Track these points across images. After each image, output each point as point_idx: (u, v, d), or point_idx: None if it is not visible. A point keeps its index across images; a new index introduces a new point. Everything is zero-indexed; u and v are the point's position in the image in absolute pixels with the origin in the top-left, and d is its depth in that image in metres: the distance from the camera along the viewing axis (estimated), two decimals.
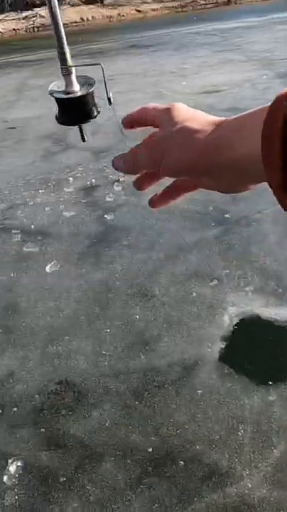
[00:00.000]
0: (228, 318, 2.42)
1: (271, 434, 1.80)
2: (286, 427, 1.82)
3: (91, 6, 27.69)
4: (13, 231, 3.63)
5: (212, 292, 2.63)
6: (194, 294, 2.64)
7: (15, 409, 2.08)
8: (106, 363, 2.27)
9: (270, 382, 2.02)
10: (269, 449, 1.75)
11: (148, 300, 2.65)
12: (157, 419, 1.93)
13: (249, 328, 2.36)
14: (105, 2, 27.83)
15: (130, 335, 2.42)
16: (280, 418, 1.86)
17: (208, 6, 27.32)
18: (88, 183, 4.35)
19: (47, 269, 3.08)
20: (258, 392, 1.98)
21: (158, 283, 2.78)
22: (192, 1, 27.51)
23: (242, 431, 1.83)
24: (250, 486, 1.63)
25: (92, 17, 26.76)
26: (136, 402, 2.03)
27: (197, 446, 1.80)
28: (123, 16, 26.52)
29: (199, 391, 2.03)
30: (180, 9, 26.87)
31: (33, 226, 3.67)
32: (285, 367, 2.11)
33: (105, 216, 3.67)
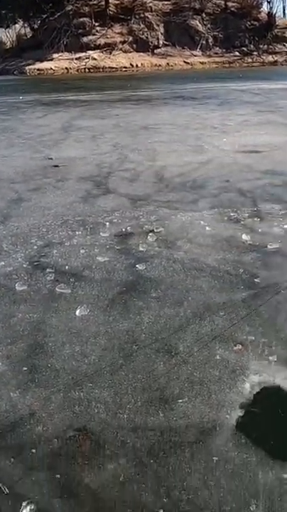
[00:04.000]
0: (249, 386, 2.46)
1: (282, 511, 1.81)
2: None
3: (141, 54, 28.93)
4: (47, 269, 3.77)
5: (235, 357, 2.68)
6: (217, 357, 2.69)
7: (33, 450, 2.14)
8: (125, 416, 2.32)
9: (285, 460, 2.03)
10: None
11: (171, 357, 2.71)
12: (170, 481, 1.96)
13: (270, 398, 2.38)
14: (155, 51, 29.05)
15: (151, 390, 2.48)
16: None
17: (255, 64, 28.21)
18: (123, 230, 4.50)
19: (77, 312, 3.18)
20: (273, 467, 2.00)
21: (183, 341, 2.85)
22: (239, 59, 28.48)
23: (254, 506, 1.84)
24: None
25: (141, 64, 27.91)
26: (151, 461, 2.06)
27: None
28: (171, 65, 27.59)
29: (214, 458, 2.05)
30: (227, 65, 27.82)
31: (67, 267, 3.80)
32: None
33: (137, 266, 3.78)
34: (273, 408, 2.33)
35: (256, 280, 3.47)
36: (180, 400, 2.40)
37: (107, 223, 4.66)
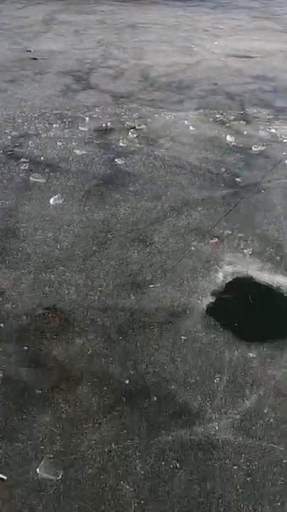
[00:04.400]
0: (222, 276, 2.45)
1: (245, 386, 1.86)
2: (260, 383, 1.87)
3: None
4: (21, 159, 3.59)
5: (210, 249, 2.64)
6: (192, 248, 2.65)
7: (1, 325, 2.12)
8: (95, 298, 2.30)
9: (252, 341, 2.06)
10: (241, 399, 1.81)
11: (146, 246, 2.67)
12: (137, 356, 1.98)
13: (241, 288, 2.39)
14: None
15: (123, 275, 2.45)
16: (256, 374, 1.91)
17: None
18: (103, 125, 4.28)
19: (51, 201, 3.07)
20: (239, 347, 2.03)
21: (159, 232, 2.79)
22: None
23: (218, 379, 1.88)
24: (217, 428, 1.70)
25: None
26: (120, 337, 2.07)
27: (172, 386, 1.85)
28: None
29: (183, 337, 2.07)
30: None
31: (42, 158, 3.63)
32: (269, 329, 2.15)
33: (116, 160, 3.63)
34: (244, 296, 2.34)
35: (237, 179, 3.38)
36: (152, 286, 2.38)
37: (87, 118, 4.42)
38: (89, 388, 1.83)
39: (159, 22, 9.08)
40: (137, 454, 1.60)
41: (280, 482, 1.53)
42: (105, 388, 1.83)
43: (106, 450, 1.60)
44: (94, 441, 1.63)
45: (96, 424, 1.69)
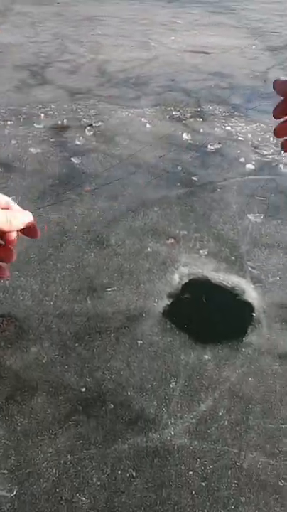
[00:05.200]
0: (178, 277, 2.46)
1: (200, 389, 1.88)
2: (215, 386, 1.90)
3: None
4: None
5: (166, 250, 2.65)
6: (149, 249, 2.65)
7: None
8: (51, 303, 2.27)
9: (207, 343, 2.08)
10: (196, 403, 1.82)
11: (102, 248, 2.65)
12: (94, 363, 1.96)
13: (197, 289, 2.41)
14: None
15: (79, 279, 2.42)
16: (211, 377, 1.93)
17: None
18: (59, 122, 4.21)
19: None
20: (194, 350, 2.05)
21: (115, 233, 2.78)
22: None
23: (174, 383, 1.89)
24: (172, 434, 1.71)
25: None
26: (76, 344, 2.05)
27: (129, 392, 1.85)
28: None
29: (139, 341, 2.07)
30: None
31: None
32: (224, 330, 2.18)
33: (72, 159, 3.58)
34: (199, 297, 2.36)
35: (193, 178, 3.40)
36: (109, 289, 2.37)
37: (42, 115, 4.34)
38: (44, 398, 1.80)
39: (116, 15, 9.00)
40: (93, 464, 1.59)
41: (234, 485, 1.56)
42: (61, 398, 1.81)
43: (62, 462, 1.59)
44: (49, 454, 1.61)
45: (52, 436, 1.67)
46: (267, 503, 1.51)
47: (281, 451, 1.67)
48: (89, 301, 2.29)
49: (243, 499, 1.52)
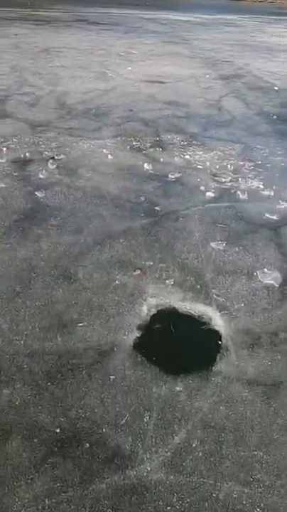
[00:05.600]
0: (146, 309, 2.50)
1: (173, 422, 1.91)
2: (188, 417, 1.94)
3: None
4: None
5: (134, 282, 2.70)
6: (116, 282, 2.69)
7: None
8: (21, 342, 2.26)
9: (178, 374, 2.13)
10: (170, 435, 1.86)
11: (70, 283, 2.67)
12: (67, 401, 1.97)
13: (165, 320, 2.46)
14: None
15: (49, 316, 2.43)
16: (184, 408, 1.97)
17: None
18: (22, 156, 4.24)
19: None
20: (166, 382, 2.09)
21: (83, 267, 2.81)
22: None
23: (147, 417, 1.92)
24: (149, 469, 1.73)
25: None
26: (48, 383, 2.05)
27: (104, 429, 1.86)
28: None
29: (111, 377, 2.09)
30: None
31: None
32: (194, 360, 2.23)
33: (36, 193, 3.61)
34: (168, 328, 2.41)
35: (156, 208, 3.49)
36: (79, 324, 2.39)
37: (4, 148, 4.36)
38: (19, 442, 1.79)
39: (73, 46, 9.18)
40: (71, 507, 1.59)
41: None
42: (36, 440, 1.80)
43: (40, 507, 1.58)
44: (27, 500, 1.61)
45: (29, 481, 1.66)
46: None
47: (255, 478, 1.72)
48: (59, 338, 2.30)
49: None
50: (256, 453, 1.80)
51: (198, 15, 16.31)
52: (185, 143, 4.74)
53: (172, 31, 12.12)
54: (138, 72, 7.43)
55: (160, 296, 2.61)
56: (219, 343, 2.32)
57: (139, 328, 2.39)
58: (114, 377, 2.10)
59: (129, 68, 7.67)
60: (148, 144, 4.66)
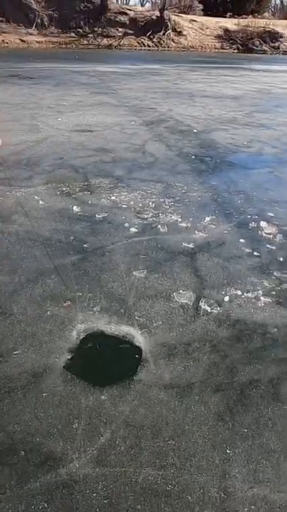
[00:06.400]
0: (76, 334, 2.80)
1: (99, 425, 2.19)
2: (112, 420, 2.22)
3: None
4: None
5: (64, 312, 2.99)
6: (48, 313, 2.98)
7: None
8: None
9: (104, 385, 2.42)
10: (97, 437, 2.13)
11: (6, 318, 2.93)
12: (4, 419, 2.21)
13: (93, 341, 2.75)
14: None
15: None
16: (109, 413, 2.26)
17: (90, 46, 28.63)
18: None
19: None
20: (93, 393, 2.37)
21: (17, 303, 3.07)
22: (75, 40, 28.62)
23: (77, 424, 2.19)
24: (77, 466, 1.99)
25: None
26: None
27: (38, 439, 2.11)
28: (7, 43, 26.60)
29: (44, 394, 2.35)
30: (64, 45, 27.75)
31: None
32: (118, 372, 2.53)
33: None
34: (95, 349, 2.70)
35: (84, 245, 3.83)
36: (15, 352, 2.64)
37: None
38: None
39: (5, 101, 9.59)
40: (9, 504, 1.82)
41: (131, 497, 1.87)
42: None
43: None
44: None
45: None
46: (158, 504, 1.84)
47: (168, 463, 2.02)
48: None
49: (139, 507, 1.83)
50: (169, 442, 2.11)
51: (125, 66, 17.36)
52: (111, 185, 5.17)
53: (101, 82, 12.88)
54: (68, 123, 7.92)
55: (88, 321, 2.91)
56: (140, 356, 2.64)
57: (69, 351, 2.67)
58: (46, 394, 2.36)
59: (59, 119, 8.15)
60: (77, 189, 5.05)
